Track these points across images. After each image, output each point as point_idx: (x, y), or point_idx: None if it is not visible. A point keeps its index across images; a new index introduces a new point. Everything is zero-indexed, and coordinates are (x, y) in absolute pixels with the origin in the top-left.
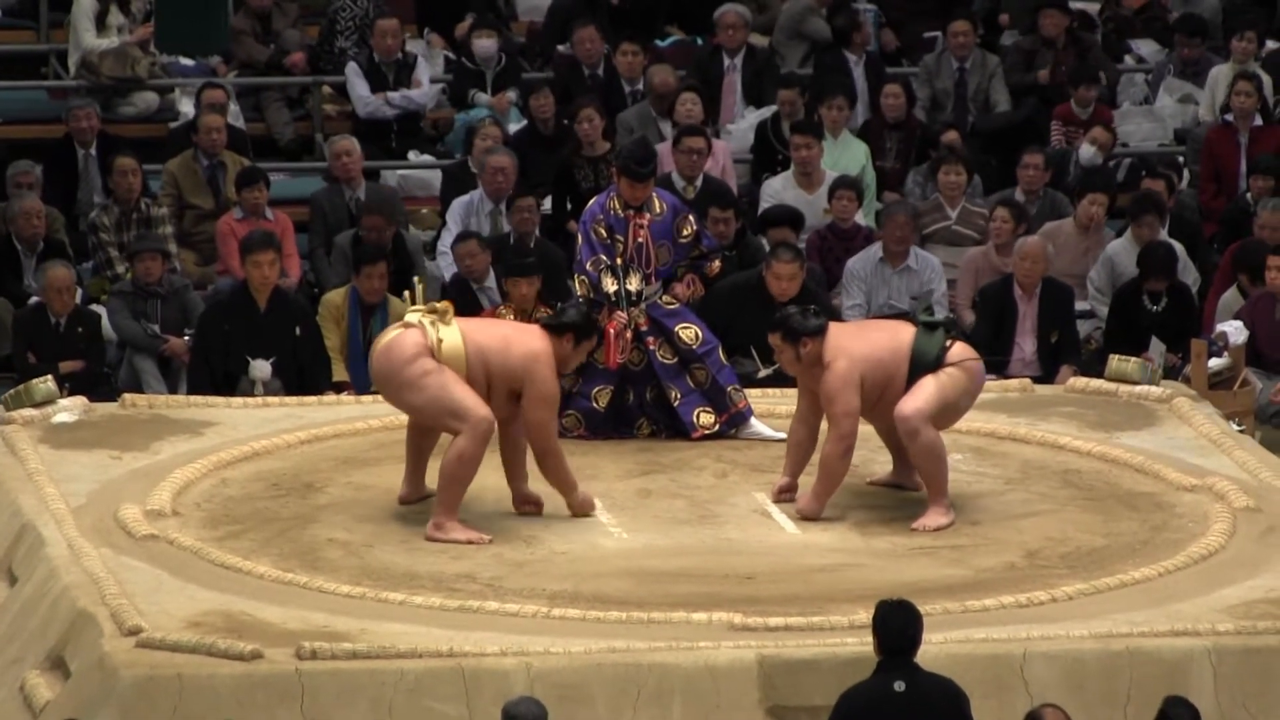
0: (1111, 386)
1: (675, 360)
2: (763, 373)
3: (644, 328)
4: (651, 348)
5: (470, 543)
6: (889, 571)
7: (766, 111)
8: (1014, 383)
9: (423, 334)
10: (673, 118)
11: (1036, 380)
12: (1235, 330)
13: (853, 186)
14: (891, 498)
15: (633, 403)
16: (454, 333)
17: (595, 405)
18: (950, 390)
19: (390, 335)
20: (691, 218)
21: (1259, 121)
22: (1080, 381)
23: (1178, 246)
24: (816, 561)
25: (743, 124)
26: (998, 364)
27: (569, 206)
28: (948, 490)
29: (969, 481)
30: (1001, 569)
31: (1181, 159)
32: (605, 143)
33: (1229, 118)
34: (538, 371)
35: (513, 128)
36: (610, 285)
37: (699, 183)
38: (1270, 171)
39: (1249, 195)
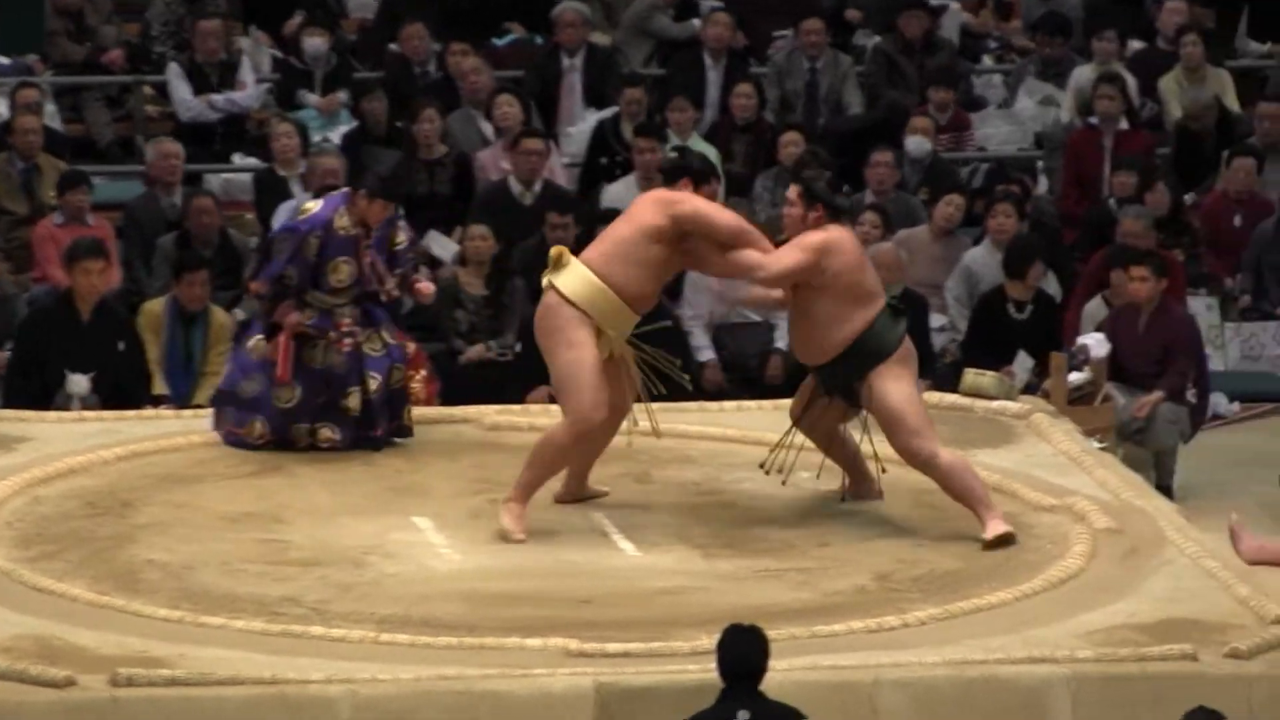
0: (966, 402)
1: (384, 353)
2: None
3: (345, 328)
4: (358, 341)
5: (506, 535)
6: (733, 595)
7: (607, 113)
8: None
9: (553, 294)
10: (493, 121)
11: None
12: (1096, 343)
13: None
14: (734, 518)
15: (323, 403)
16: (572, 273)
17: (280, 405)
18: (909, 383)
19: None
20: (402, 223)
21: (1124, 125)
22: (933, 396)
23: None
24: (657, 584)
25: (583, 126)
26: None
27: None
28: (989, 497)
29: (816, 501)
30: (851, 592)
31: (1040, 163)
32: (443, 145)
33: (1093, 120)
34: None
35: (343, 129)
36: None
37: (537, 187)
38: (1134, 169)
39: (1112, 200)
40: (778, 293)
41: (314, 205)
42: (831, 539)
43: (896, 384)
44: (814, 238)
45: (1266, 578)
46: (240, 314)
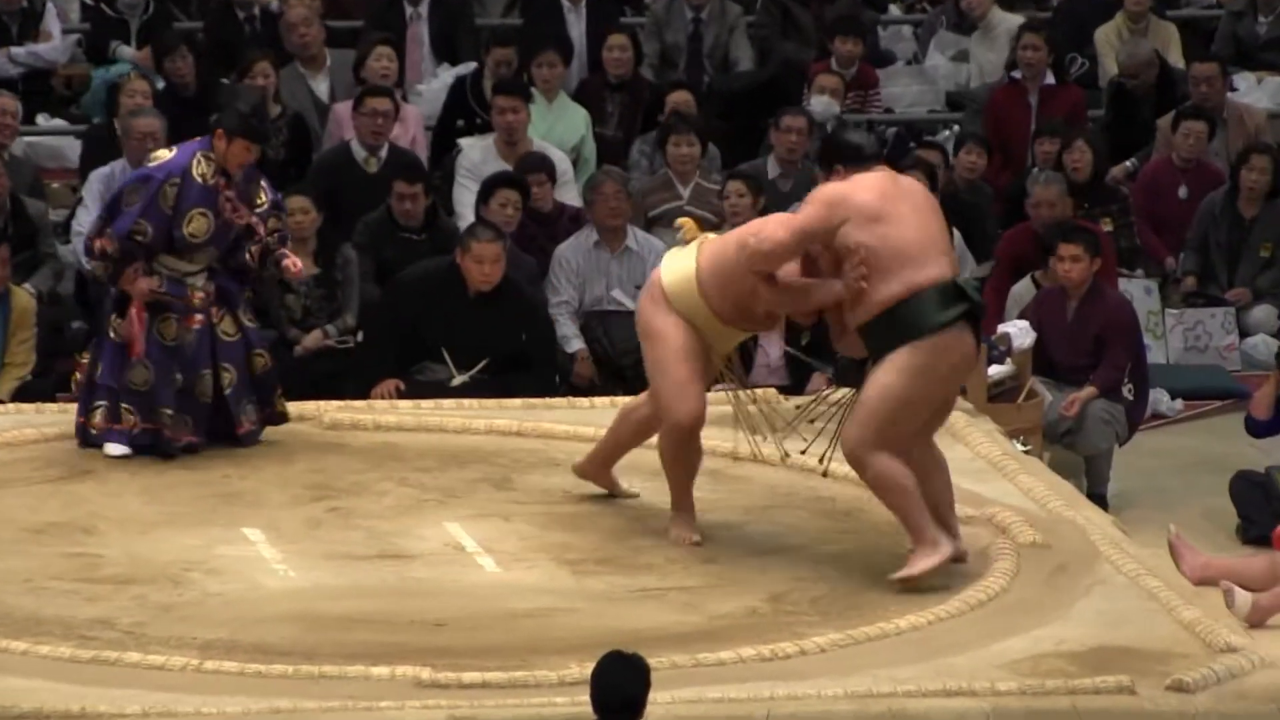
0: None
1: (239, 338)
2: (457, 380)
3: (198, 301)
4: (211, 320)
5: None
6: (607, 617)
7: (465, 69)
8: (757, 394)
9: (655, 279)
10: (358, 76)
11: (784, 390)
12: (1020, 331)
13: (541, 168)
14: (608, 530)
15: (179, 388)
16: (682, 259)
17: (136, 389)
18: (907, 382)
19: None
20: (265, 183)
21: (1050, 79)
22: (837, 392)
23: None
24: (521, 605)
25: (435, 84)
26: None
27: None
28: (925, 522)
29: (702, 511)
30: (741, 615)
31: (955, 127)
32: (277, 104)
33: (1016, 75)
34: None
35: (162, 84)
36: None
37: (383, 153)
38: (1059, 135)
39: (1036, 169)
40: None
41: (166, 153)
42: (720, 554)
43: (889, 373)
44: (822, 190)
45: (1214, 599)
46: (30, 288)
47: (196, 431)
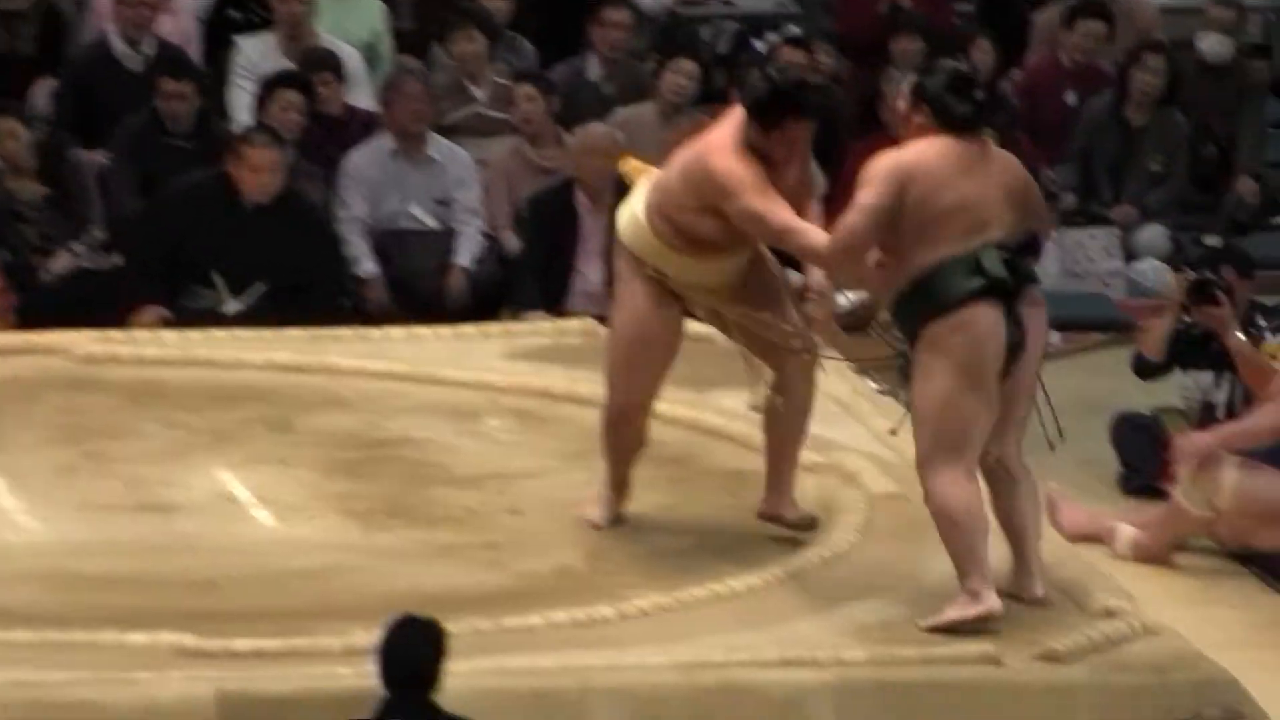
0: (702, 329)
1: None
2: (230, 306)
3: None
4: None
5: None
6: (399, 577)
7: None
8: (574, 323)
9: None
10: None
11: (604, 320)
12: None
13: (327, 65)
14: (401, 478)
15: None
16: (630, 203)
17: None
18: (951, 366)
19: None
20: None
21: None
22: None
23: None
24: (300, 563)
25: None
26: (553, 297)
27: None
28: (972, 566)
29: (509, 457)
30: (553, 575)
31: (792, 24)
32: None
33: None
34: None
35: None
36: None
37: (148, 48)
38: (918, 30)
39: (895, 69)
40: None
41: None
42: (528, 505)
43: (930, 373)
44: (881, 166)
45: (1093, 557)
46: None
47: None
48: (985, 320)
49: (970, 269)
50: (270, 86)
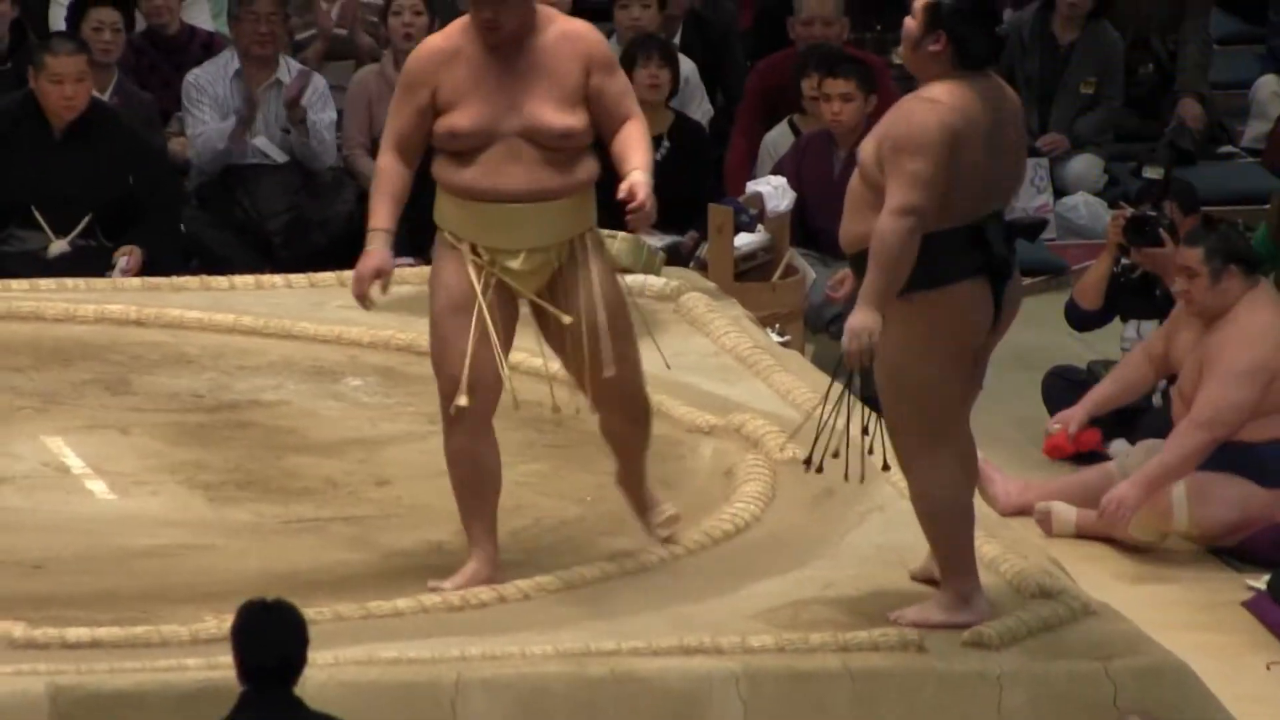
0: None
1: None
2: (55, 248)
3: None
4: None
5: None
6: (254, 556)
7: None
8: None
9: None
10: None
11: None
12: (775, 191)
13: None
14: (253, 444)
15: None
16: None
17: None
18: (938, 346)
19: None
20: None
21: None
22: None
23: (687, 64)
24: (143, 542)
25: None
26: (421, 243)
27: None
28: (959, 565)
29: (373, 421)
30: (424, 552)
31: None
32: None
33: None
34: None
35: None
36: None
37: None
38: None
39: None
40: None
41: None
42: (396, 474)
43: (910, 350)
44: (931, 131)
45: (1026, 533)
46: None
47: None
48: (978, 298)
49: (971, 242)
50: (80, 4)
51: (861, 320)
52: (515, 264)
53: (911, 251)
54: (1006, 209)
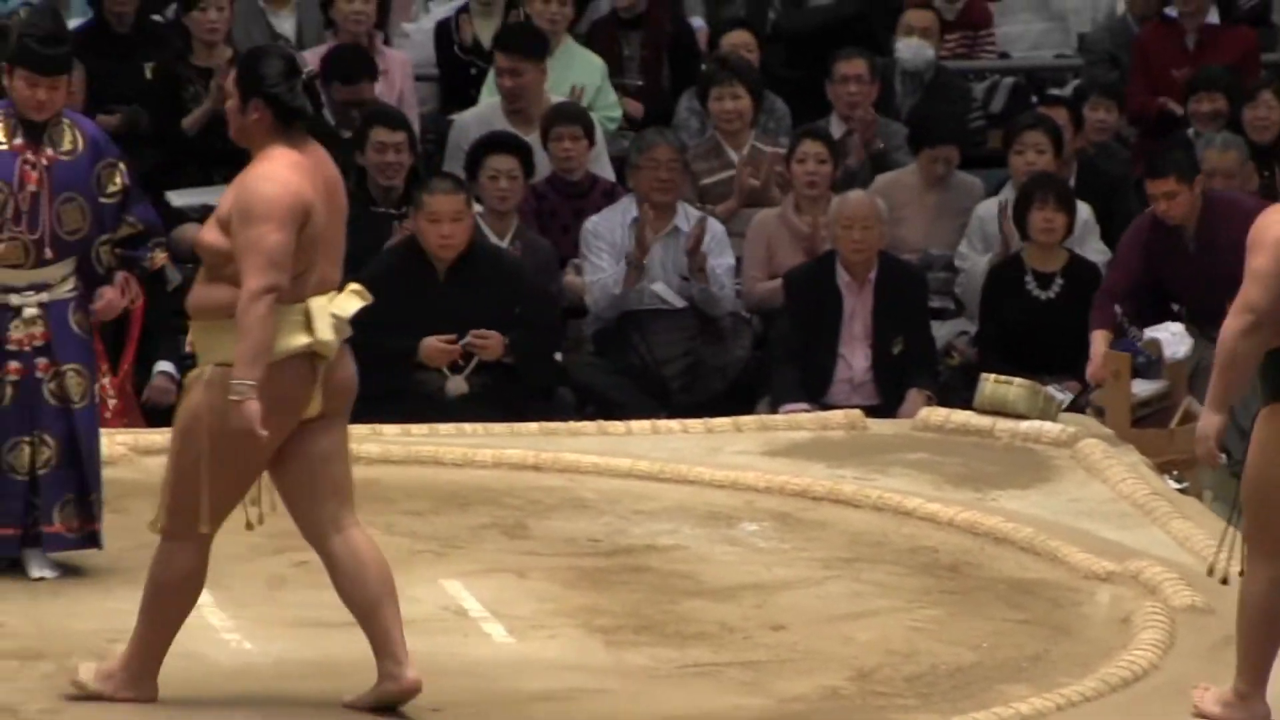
0: (985, 422)
1: (61, 404)
2: (454, 387)
3: (37, 342)
4: (41, 375)
5: None
6: (649, 700)
7: (455, 5)
8: (838, 416)
9: None
10: (329, 17)
11: (871, 412)
12: (1174, 337)
13: (578, 119)
14: (650, 589)
15: None
16: None
17: None
18: None
19: None
20: (124, 166)
21: (1213, 18)
22: (938, 414)
23: (1085, 210)
24: (538, 685)
25: (427, 23)
26: (814, 386)
27: None
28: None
29: (768, 566)
30: (819, 697)
31: (1076, 79)
32: (228, 48)
33: (1171, 13)
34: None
35: (75, 23)
36: None
37: (358, 115)
38: (1220, 88)
39: (1192, 131)
40: None
41: None
42: (791, 619)
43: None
44: (1273, 232)
45: None
46: None
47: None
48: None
49: None
50: (477, 153)
51: (1203, 425)
52: None
53: (1245, 340)
54: None
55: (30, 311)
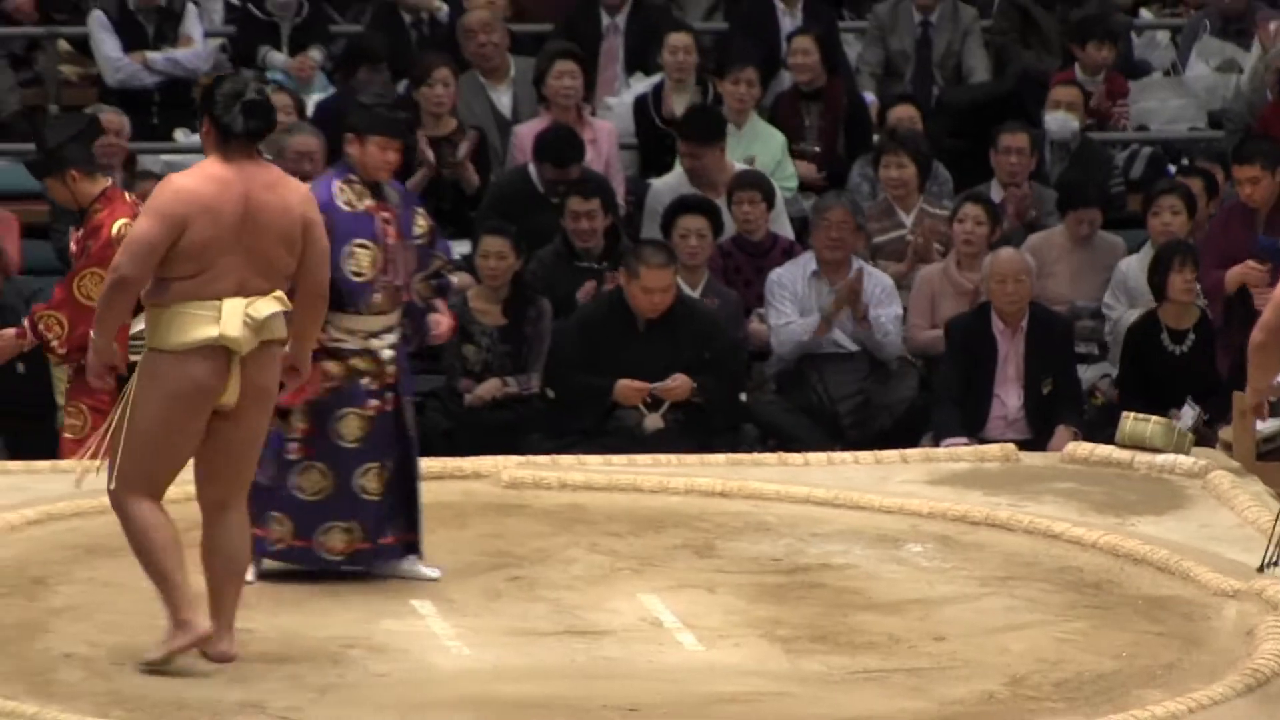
0: (1125, 455)
1: (400, 433)
2: (650, 424)
3: (388, 380)
4: (390, 409)
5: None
6: (824, 703)
7: (651, 81)
8: (993, 449)
9: None
10: (542, 93)
11: (1023, 446)
12: None
13: (758, 185)
14: (824, 603)
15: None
16: None
17: (302, 495)
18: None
19: None
20: (423, 209)
21: None
22: (1083, 448)
23: None
24: (725, 688)
25: (629, 97)
26: (972, 423)
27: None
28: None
29: (931, 583)
30: (976, 701)
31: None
32: (453, 119)
33: None
34: None
35: (317, 98)
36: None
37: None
38: None
39: None
40: None
41: None
42: (951, 631)
43: None
44: None
45: None
46: None
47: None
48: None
49: None
50: (671, 213)
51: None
52: None
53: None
54: None
55: (388, 354)
